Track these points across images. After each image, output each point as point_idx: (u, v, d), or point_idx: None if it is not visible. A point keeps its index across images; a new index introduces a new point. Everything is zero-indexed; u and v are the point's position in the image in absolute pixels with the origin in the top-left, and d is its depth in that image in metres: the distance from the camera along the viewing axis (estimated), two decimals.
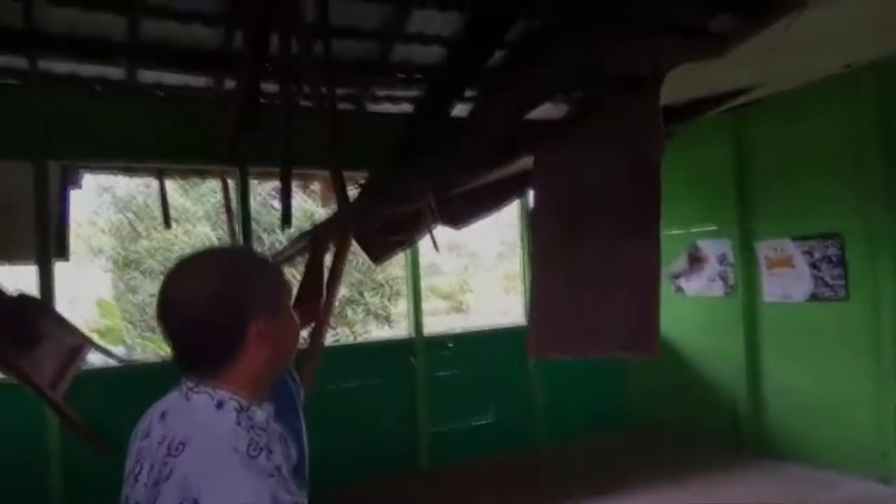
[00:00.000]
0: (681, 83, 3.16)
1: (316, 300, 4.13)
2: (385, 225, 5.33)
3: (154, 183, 8.38)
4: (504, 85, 2.59)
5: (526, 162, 3.54)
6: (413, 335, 7.82)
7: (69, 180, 6.33)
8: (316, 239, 4.85)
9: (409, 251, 7.44)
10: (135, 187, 11.78)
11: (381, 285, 12.19)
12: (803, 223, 6.99)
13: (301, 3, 4.60)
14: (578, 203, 2.99)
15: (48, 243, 5.77)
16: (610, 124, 2.92)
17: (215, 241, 10.76)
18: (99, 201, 12.03)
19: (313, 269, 4.52)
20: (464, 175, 3.51)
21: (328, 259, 4.56)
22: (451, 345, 7.99)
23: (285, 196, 4.70)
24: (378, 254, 6.25)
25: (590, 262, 2.87)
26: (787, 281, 7.16)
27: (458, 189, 4.26)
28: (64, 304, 7.23)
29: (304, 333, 4.31)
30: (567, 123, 3.26)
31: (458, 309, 19.75)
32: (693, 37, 2.65)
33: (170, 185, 8.98)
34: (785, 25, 2.42)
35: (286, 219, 4.75)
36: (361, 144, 5.50)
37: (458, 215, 4.85)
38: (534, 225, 3.14)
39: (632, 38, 2.17)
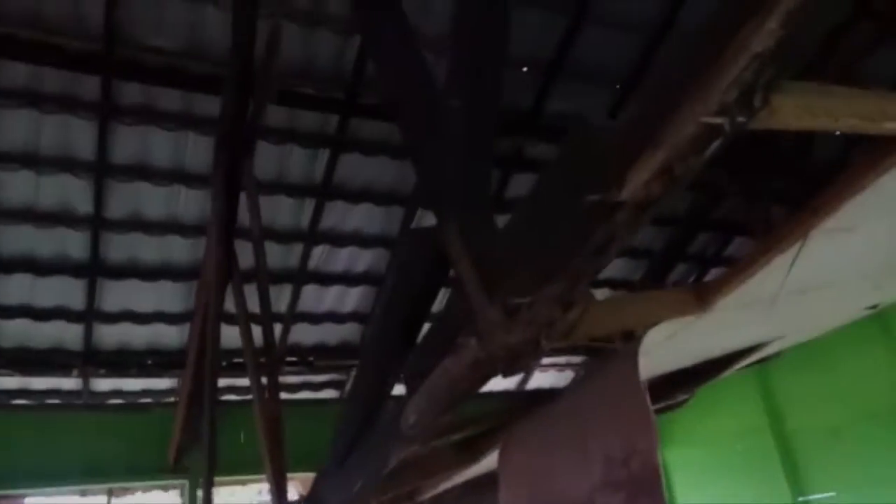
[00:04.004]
0: (679, 349, 2.50)
1: None
2: None
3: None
4: (420, 372, 1.93)
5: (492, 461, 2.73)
6: None
7: None
8: None
9: None
10: None
11: None
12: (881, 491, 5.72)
13: (242, 294, 4.18)
14: None
15: None
16: (582, 410, 2.16)
17: None
18: None
19: None
20: (410, 478, 2.68)
21: None
22: None
23: None
24: None
25: None
26: None
27: (422, 497, 3.37)
28: None
29: None
30: (534, 405, 2.51)
31: None
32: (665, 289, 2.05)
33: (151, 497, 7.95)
34: (789, 262, 1.81)
35: None
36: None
37: None
38: None
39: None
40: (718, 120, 1.09)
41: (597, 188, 1.27)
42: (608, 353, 2.15)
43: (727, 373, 3.40)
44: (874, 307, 3.94)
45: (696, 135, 1.11)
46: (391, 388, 2.49)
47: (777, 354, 5.18)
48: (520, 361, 1.77)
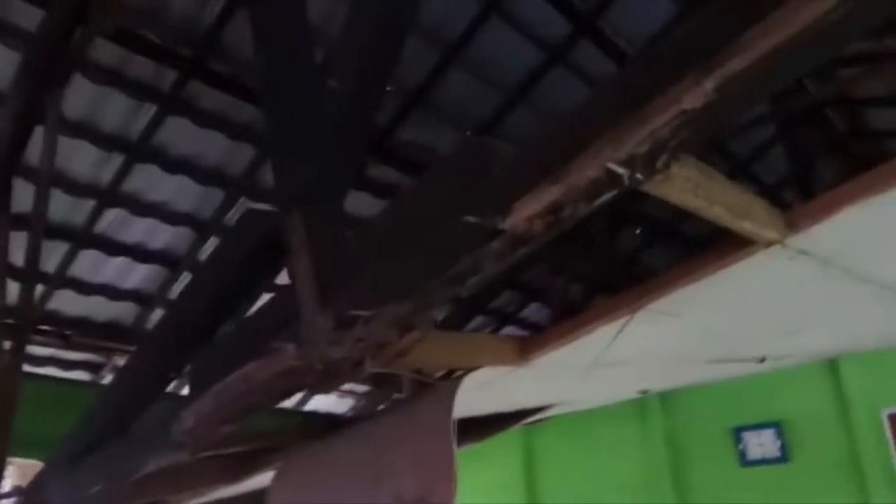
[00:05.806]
0: (490, 396, 2.47)
1: None
2: None
3: None
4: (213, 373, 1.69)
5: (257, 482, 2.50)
6: None
7: None
8: None
9: None
10: None
11: None
12: None
13: (6, 241, 3.53)
14: None
15: None
16: (381, 442, 2.03)
17: None
18: None
19: None
20: (156, 489, 2.35)
21: None
22: None
23: None
24: None
25: None
26: None
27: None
28: None
29: None
30: (323, 428, 2.33)
31: None
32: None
33: None
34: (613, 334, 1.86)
35: None
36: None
37: None
38: None
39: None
40: (621, 170, 1.05)
41: (478, 211, 1.17)
42: (425, 387, 2.05)
43: (513, 427, 3.49)
44: (644, 392, 4.33)
45: (596, 179, 1.06)
46: (167, 384, 2.18)
47: (544, 419, 5.51)
48: (335, 379, 1.60)
